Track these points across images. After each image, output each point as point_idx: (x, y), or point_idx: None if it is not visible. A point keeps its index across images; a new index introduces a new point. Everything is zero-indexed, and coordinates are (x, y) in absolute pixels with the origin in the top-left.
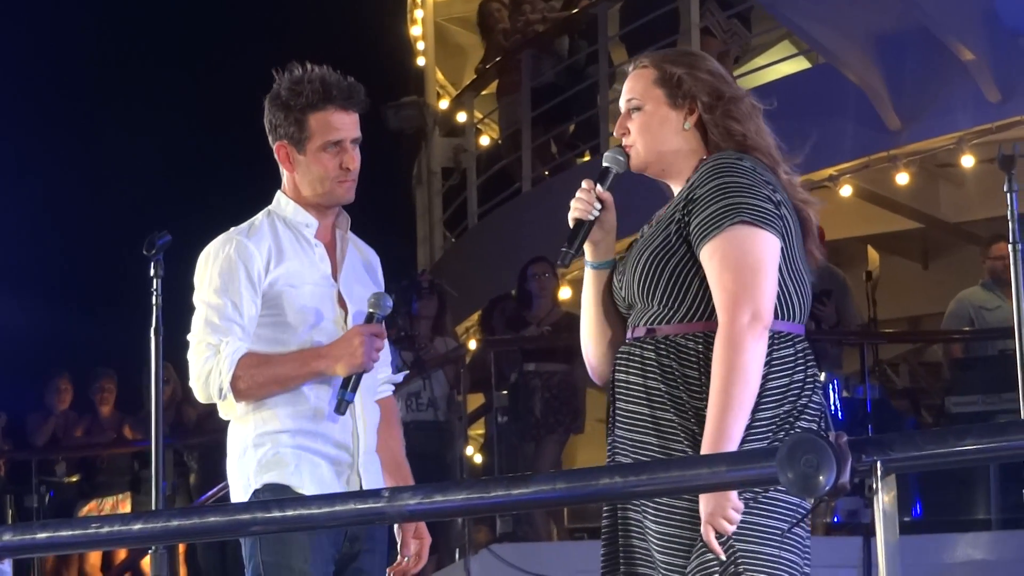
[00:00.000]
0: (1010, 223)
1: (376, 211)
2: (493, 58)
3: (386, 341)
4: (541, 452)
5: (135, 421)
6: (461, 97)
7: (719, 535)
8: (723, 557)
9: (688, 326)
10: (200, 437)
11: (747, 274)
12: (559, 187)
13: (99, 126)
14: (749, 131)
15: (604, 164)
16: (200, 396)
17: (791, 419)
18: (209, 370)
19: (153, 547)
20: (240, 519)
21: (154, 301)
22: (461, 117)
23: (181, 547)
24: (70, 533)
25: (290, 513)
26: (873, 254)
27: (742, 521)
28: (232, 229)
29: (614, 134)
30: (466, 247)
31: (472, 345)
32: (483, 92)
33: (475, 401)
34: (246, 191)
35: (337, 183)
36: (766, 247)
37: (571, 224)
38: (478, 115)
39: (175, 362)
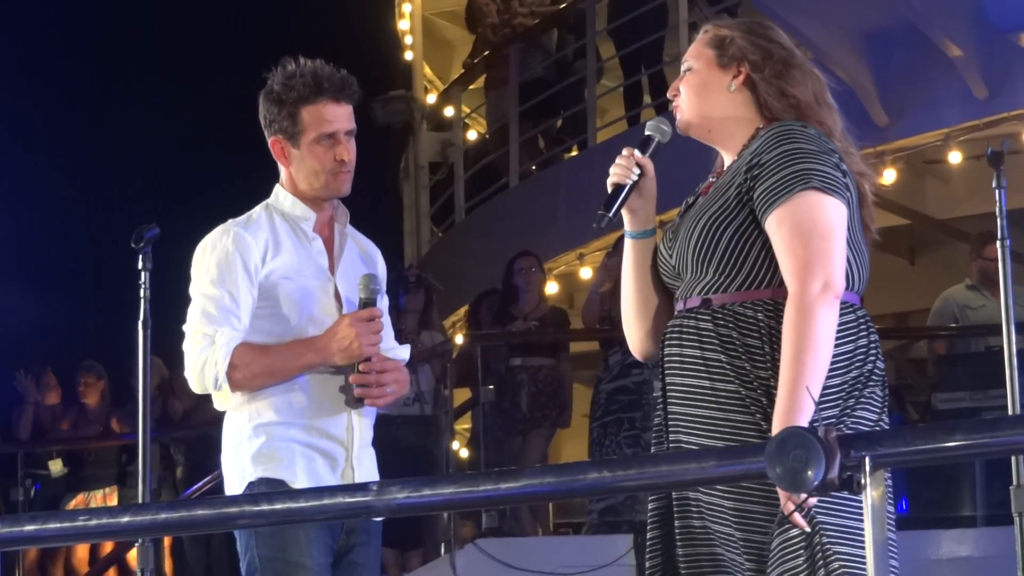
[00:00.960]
0: (998, 220)
1: (363, 205)
2: (481, 52)
3: (387, 319)
4: (528, 446)
5: (123, 414)
6: (449, 91)
7: (800, 508)
8: (807, 529)
9: (747, 294)
10: (187, 431)
11: (818, 241)
12: (546, 182)
13: (88, 119)
14: (801, 96)
15: (647, 132)
16: (195, 386)
17: (860, 385)
18: (205, 360)
19: (140, 540)
20: (228, 512)
21: (142, 294)
22: (448, 111)
23: (167, 540)
24: (58, 525)
25: (278, 507)
26: None
27: (740, 508)
28: (230, 221)
29: (667, 94)
30: (453, 242)
31: (459, 339)
32: (471, 87)
33: (462, 395)
34: (236, 185)
35: (333, 176)
36: (836, 214)
37: (609, 189)
38: (465, 109)
39: (163, 355)
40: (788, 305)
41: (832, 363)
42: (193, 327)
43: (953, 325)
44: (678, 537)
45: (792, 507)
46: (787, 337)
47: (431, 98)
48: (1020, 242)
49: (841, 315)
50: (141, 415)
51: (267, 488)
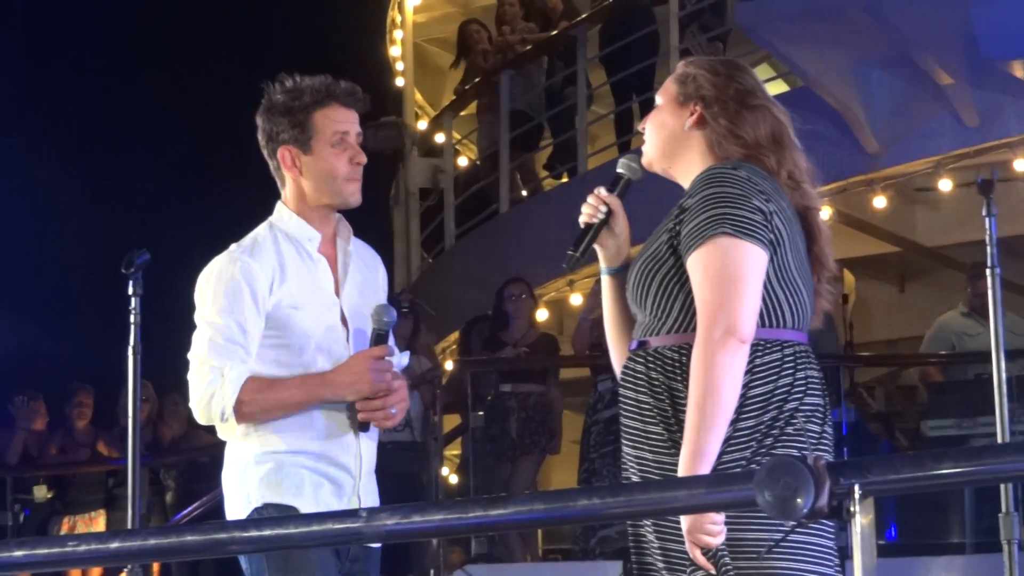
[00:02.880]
0: (988, 248)
1: (353, 231)
2: (472, 79)
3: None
4: (517, 473)
5: (110, 437)
6: (440, 118)
7: (706, 550)
8: (713, 572)
9: (673, 337)
10: (177, 456)
11: (725, 287)
12: (536, 209)
13: (78, 143)
14: (749, 137)
15: (618, 170)
16: (200, 418)
17: (779, 425)
18: (212, 393)
19: (129, 565)
20: (217, 538)
21: (132, 319)
22: (439, 138)
23: (155, 566)
24: (47, 551)
25: (267, 533)
26: (850, 277)
27: (733, 535)
28: (234, 246)
29: (637, 128)
30: (443, 268)
31: (448, 366)
32: (462, 113)
33: (451, 422)
34: (226, 211)
35: (346, 182)
36: (747, 258)
37: (581, 228)
38: (456, 136)
39: (153, 380)
40: (693, 350)
41: (747, 405)
42: (199, 358)
43: (943, 352)
44: (636, 573)
45: (696, 550)
46: (691, 384)
47: (422, 124)
48: (1011, 270)
49: (764, 355)
50: (131, 440)
51: (275, 513)
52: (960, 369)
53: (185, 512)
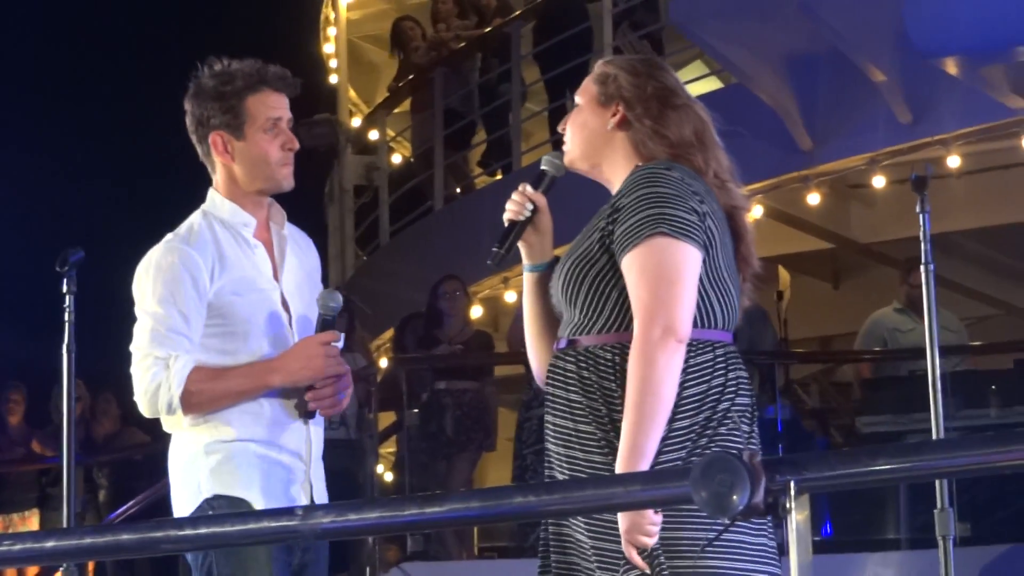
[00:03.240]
0: (922, 244)
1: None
2: (406, 76)
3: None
4: (453, 470)
5: (43, 436)
6: (374, 115)
7: (642, 549)
8: (648, 571)
9: (606, 337)
10: (110, 454)
11: (662, 286)
12: (471, 206)
13: (14, 140)
14: (674, 136)
15: (541, 167)
16: (145, 411)
17: (713, 424)
18: (158, 384)
19: (64, 564)
20: (153, 537)
21: (67, 318)
22: (373, 135)
23: (90, 564)
24: None
25: (203, 531)
26: (784, 274)
27: (668, 533)
28: (171, 235)
29: (558, 128)
30: (378, 265)
31: (383, 363)
32: (396, 110)
33: (386, 419)
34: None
35: (279, 167)
36: (684, 259)
37: (505, 224)
38: (391, 133)
39: (85, 378)
40: (631, 350)
41: (682, 404)
42: (142, 349)
43: (879, 349)
44: (557, 572)
45: (632, 549)
46: (628, 383)
47: (356, 121)
48: (944, 266)
49: (697, 355)
50: (66, 438)
51: (226, 505)
52: (894, 366)
53: (120, 511)
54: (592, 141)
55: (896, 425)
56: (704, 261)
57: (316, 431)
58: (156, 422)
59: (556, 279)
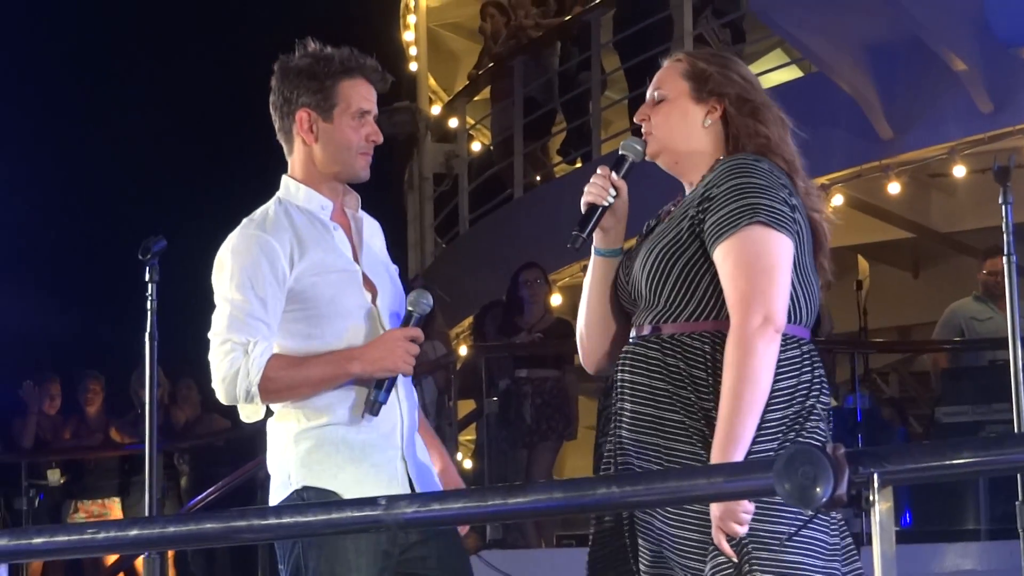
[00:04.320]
0: (1004, 235)
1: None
2: (486, 64)
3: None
4: (534, 459)
5: (121, 423)
6: (453, 103)
7: (731, 538)
8: (735, 560)
9: (695, 325)
10: (191, 441)
11: (761, 276)
12: (550, 194)
13: (98, 127)
14: (772, 135)
15: (620, 152)
16: (223, 397)
17: (800, 420)
18: (236, 371)
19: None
20: (236, 526)
21: (149, 306)
22: (453, 123)
23: (171, 552)
24: (66, 539)
25: (286, 520)
26: (863, 263)
27: (754, 525)
28: (247, 221)
29: (635, 119)
30: (457, 253)
31: (463, 351)
32: (475, 98)
33: (466, 407)
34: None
35: (359, 155)
36: (780, 249)
37: (583, 208)
38: (470, 121)
39: (164, 364)
40: (728, 339)
41: (773, 398)
42: (220, 335)
43: (958, 338)
44: (632, 554)
45: (722, 537)
46: (727, 371)
47: (436, 109)
48: None
49: (785, 350)
50: (148, 426)
51: (315, 497)
52: (974, 355)
53: (200, 497)
54: (684, 136)
55: (976, 415)
56: (794, 256)
57: (408, 408)
58: (236, 408)
59: (639, 266)
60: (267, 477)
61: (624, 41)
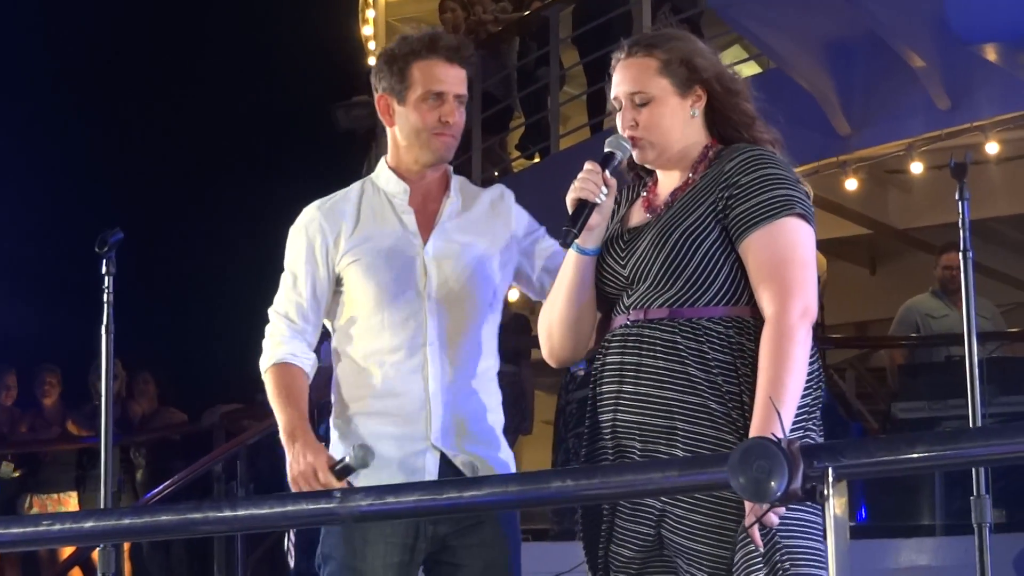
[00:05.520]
0: (961, 232)
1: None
2: None
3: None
4: None
5: (79, 416)
6: None
7: (762, 528)
8: (762, 549)
9: (716, 309)
10: (147, 434)
11: (798, 268)
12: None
13: (52, 116)
14: (752, 112)
15: (607, 149)
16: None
17: (815, 408)
18: (264, 347)
19: (102, 544)
20: (191, 518)
21: (105, 299)
22: None
23: (126, 544)
24: (20, 530)
25: (241, 513)
26: (821, 259)
27: (785, 515)
28: (319, 200)
29: (620, 130)
30: None
31: None
32: None
33: None
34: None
35: (434, 135)
36: (812, 242)
37: (571, 205)
38: None
39: (122, 357)
40: (768, 327)
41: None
42: (274, 302)
43: (914, 335)
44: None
45: (752, 519)
46: (768, 359)
47: None
48: (980, 252)
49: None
50: (104, 419)
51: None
52: (930, 351)
53: (157, 490)
54: (678, 134)
55: (932, 411)
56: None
57: (435, 396)
58: (193, 401)
59: (650, 250)
60: (223, 471)
61: (583, 36)
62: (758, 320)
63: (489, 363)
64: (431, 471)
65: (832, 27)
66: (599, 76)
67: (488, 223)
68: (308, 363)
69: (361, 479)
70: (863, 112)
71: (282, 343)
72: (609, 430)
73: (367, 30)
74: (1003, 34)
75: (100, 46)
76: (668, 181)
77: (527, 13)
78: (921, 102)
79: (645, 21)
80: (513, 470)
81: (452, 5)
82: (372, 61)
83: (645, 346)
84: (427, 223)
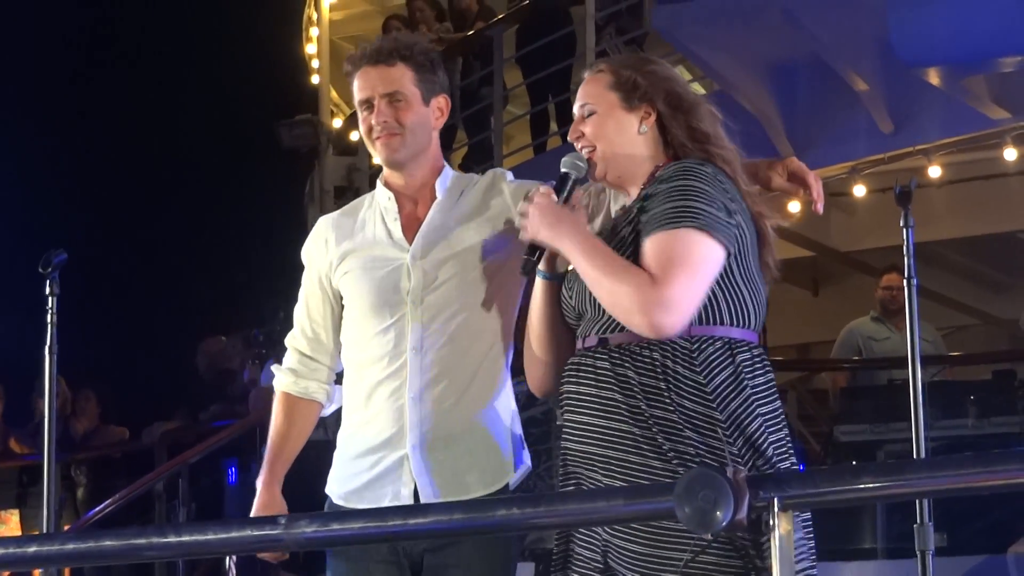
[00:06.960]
0: (906, 259)
1: (268, 228)
2: None
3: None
4: None
5: (21, 434)
6: (355, 116)
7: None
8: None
9: (638, 335)
10: (88, 451)
11: (685, 271)
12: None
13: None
14: (710, 132)
15: (563, 169)
16: None
17: (776, 418)
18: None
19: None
20: (135, 544)
21: (49, 319)
22: (355, 136)
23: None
24: None
25: (185, 539)
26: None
27: (650, 553)
28: (338, 211)
29: (568, 138)
30: None
31: None
32: None
33: None
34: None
35: (375, 140)
36: (709, 253)
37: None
38: None
39: (65, 375)
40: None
41: (719, 398)
42: None
43: (856, 357)
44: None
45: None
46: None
47: (337, 122)
48: (922, 275)
49: (737, 353)
50: (46, 439)
51: (330, 509)
52: (872, 374)
53: (97, 509)
54: (625, 149)
55: (874, 434)
56: (736, 260)
57: (413, 414)
58: (135, 418)
59: (580, 280)
60: (164, 490)
61: (527, 57)
62: (690, 343)
63: (488, 363)
64: (406, 480)
65: (776, 50)
66: (543, 96)
67: (481, 208)
68: (311, 389)
69: (335, 484)
70: (806, 134)
71: (285, 372)
72: (564, 458)
73: (311, 48)
74: (946, 58)
75: (41, 67)
76: (621, 201)
77: (470, 33)
78: (864, 125)
79: (589, 42)
80: (510, 479)
81: (396, 24)
82: (315, 80)
83: (583, 374)
84: (416, 227)
